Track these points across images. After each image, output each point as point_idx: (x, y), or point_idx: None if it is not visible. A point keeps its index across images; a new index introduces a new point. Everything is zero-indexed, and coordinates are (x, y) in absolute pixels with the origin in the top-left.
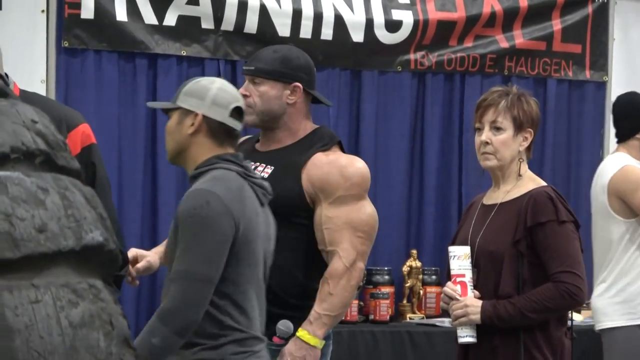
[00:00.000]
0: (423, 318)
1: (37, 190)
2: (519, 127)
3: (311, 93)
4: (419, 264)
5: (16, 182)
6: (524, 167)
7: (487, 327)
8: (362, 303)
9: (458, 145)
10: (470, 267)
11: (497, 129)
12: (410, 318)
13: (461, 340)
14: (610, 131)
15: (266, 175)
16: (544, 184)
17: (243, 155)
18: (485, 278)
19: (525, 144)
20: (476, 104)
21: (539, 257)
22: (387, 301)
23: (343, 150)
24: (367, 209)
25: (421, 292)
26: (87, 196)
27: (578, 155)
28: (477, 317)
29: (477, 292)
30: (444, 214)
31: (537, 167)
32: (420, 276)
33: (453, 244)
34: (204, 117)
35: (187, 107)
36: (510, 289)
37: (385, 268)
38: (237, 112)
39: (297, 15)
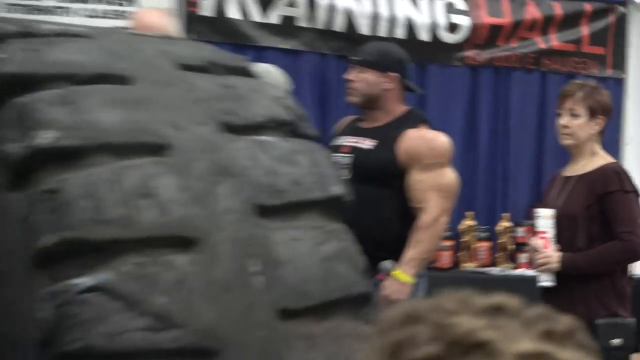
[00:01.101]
0: (476, 267)
1: (292, 152)
2: (592, 114)
3: (404, 82)
4: (473, 223)
5: (275, 145)
6: (597, 147)
7: (565, 274)
8: None
9: (504, 128)
10: (553, 226)
11: (573, 115)
12: (465, 267)
13: (542, 283)
14: (627, 120)
15: (370, 147)
16: (613, 160)
17: (348, 131)
18: (564, 235)
19: (598, 128)
20: (559, 93)
21: (607, 219)
22: (448, 252)
23: (430, 128)
24: (449, 174)
25: (474, 246)
26: (327, 157)
27: None
28: (556, 265)
29: (557, 246)
30: (493, 184)
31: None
32: (474, 233)
33: (540, 207)
34: None
35: None
36: (583, 245)
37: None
38: None
39: (375, 17)
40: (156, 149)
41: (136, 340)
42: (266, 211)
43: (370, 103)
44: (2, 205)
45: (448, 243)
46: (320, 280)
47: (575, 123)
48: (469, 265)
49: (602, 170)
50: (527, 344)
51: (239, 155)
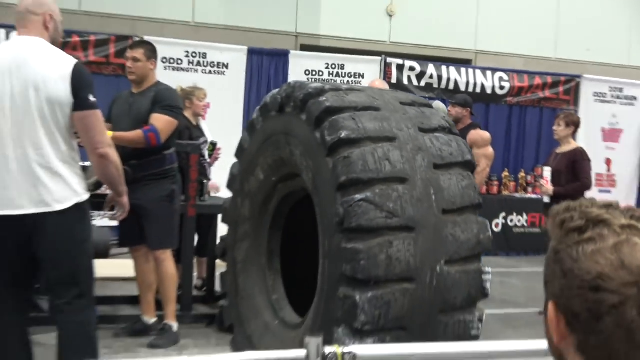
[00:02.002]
0: (509, 193)
1: (449, 140)
2: (567, 125)
3: (471, 111)
4: (508, 174)
5: (442, 137)
6: (571, 139)
7: (555, 197)
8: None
9: (524, 132)
10: (550, 174)
11: (559, 125)
12: (504, 193)
13: (544, 201)
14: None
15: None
16: (579, 145)
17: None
18: (554, 179)
19: (570, 132)
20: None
21: (576, 173)
22: (496, 187)
23: (481, 129)
24: (490, 150)
25: (508, 183)
26: (464, 143)
27: None
28: (551, 193)
29: (551, 184)
30: (517, 156)
31: None
32: (508, 178)
33: (544, 165)
34: None
35: None
36: (564, 183)
37: (496, 175)
38: None
39: (467, 82)
40: (391, 139)
41: (379, 222)
42: (437, 166)
43: (457, 121)
44: (324, 164)
45: (496, 183)
46: (460, 196)
47: (559, 129)
48: (506, 192)
49: (574, 150)
50: (624, 220)
51: (426, 141)
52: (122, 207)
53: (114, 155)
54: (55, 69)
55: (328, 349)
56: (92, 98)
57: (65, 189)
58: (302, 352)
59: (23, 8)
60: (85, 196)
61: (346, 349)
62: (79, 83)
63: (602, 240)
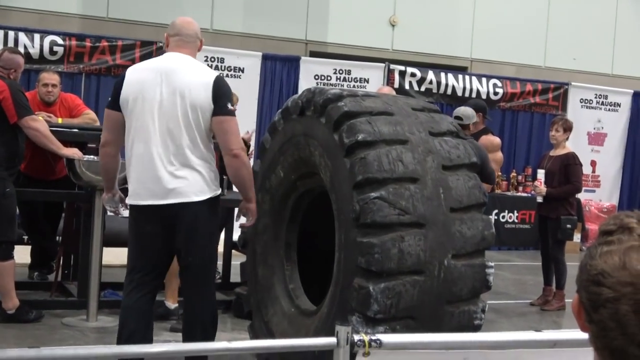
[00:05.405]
0: (501, 191)
1: (456, 144)
2: (564, 130)
3: (485, 116)
4: (500, 173)
5: (450, 141)
6: (565, 144)
7: (547, 197)
8: None
9: (516, 136)
10: (543, 176)
11: (557, 130)
12: (497, 191)
13: (537, 200)
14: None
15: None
16: (571, 150)
17: None
18: (547, 180)
19: (566, 137)
20: (551, 121)
21: (567, 175)
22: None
23: (493, 134)
24: (499, 155)
25: (501, 183)
26: (471, 145)
27: None
28: (544, 193)
29: (544, 185)
30: (508, 159)
31: None
32: (501, 178)
33: (538, 167)
34: None
35: None
36: (556, 185)
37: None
38: None
39: (470, 89)
40: (403, 142)
41: (392, 219)
42: (446, 168)
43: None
44: (341, 164)
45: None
46: (467, 196)
47: (557, 134)
48: (498, 191)
49: (567, 154)
50: None
51: (435, 144)
52: (251, 213)
53: (245, 158)
54: (199, 78)
55: (357, 337)
56: (229, 106)
57: (202, 183)
58: (332, 340)
59: (193, 32)
60: (218, 191)
61: (373, 337)
62: (219, 91)
63: (619, 244)
